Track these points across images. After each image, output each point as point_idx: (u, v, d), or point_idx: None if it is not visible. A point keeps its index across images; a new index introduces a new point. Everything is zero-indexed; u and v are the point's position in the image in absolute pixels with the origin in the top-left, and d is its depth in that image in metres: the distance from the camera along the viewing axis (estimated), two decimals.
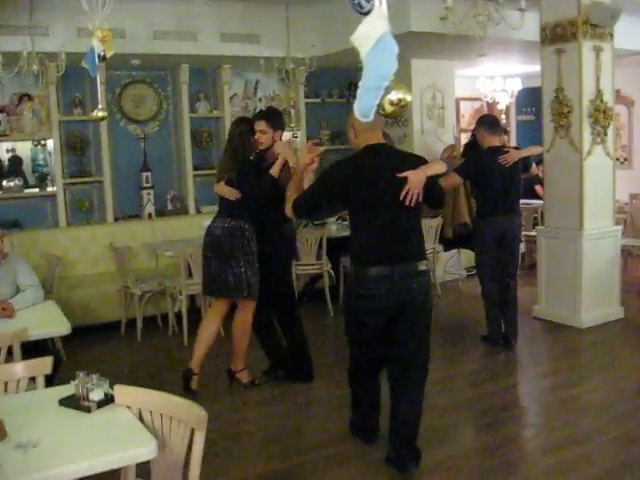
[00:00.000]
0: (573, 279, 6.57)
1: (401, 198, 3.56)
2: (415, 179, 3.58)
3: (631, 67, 10.25)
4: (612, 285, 6.80)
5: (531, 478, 3.92)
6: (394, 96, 1.54)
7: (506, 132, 6.69)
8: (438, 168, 3.86)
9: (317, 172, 4.59)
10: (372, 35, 1.45)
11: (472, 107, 11.69)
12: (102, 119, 3.95)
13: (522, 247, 6.72)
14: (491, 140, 6.03)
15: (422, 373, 3.86)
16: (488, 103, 11.20)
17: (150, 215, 8.02)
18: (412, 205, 3.59)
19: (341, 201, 3.75)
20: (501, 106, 10.99)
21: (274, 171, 4.96)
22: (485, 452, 4.22)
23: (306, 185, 3.97)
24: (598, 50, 6.49)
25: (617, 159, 9.94)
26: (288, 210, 3.89)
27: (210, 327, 5.24)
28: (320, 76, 8.78)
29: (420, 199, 3.62)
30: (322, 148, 3.87)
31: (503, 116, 11.47)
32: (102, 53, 3.35)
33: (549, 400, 5.11)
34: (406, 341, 3.79)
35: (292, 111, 8.30)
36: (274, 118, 5.25)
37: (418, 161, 3.80)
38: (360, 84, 1.49)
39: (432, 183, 3.77)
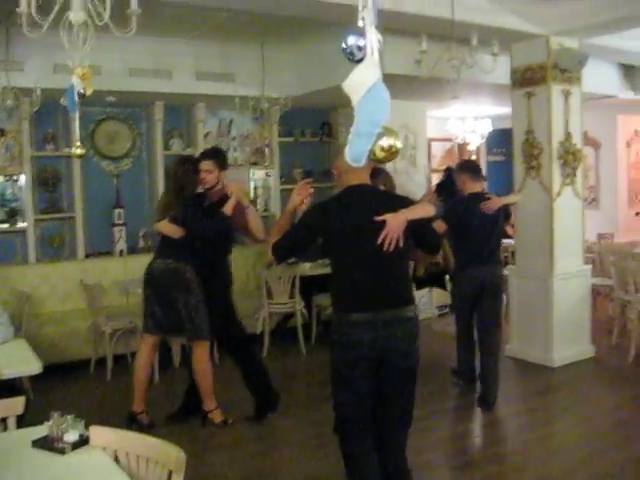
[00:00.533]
0: (544, 318, 6.64)
1: (378, 242, 3.31)
2: (394, 223, 3.32)
3: (597, 109, 10.48)
4: (583, 324, 6.87)
5: None
6: (385, 142, 1.56)
7: (485, 178, 6.59)
8: (424, 211, 3.58)
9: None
10: (364, 83, 1.47)
11: (443, 148, 11.86)
12: (80, 156, 3.95)
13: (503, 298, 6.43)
14: (473, 186, 5.86)
15: (408, 425, 3.62)
16: (459, 144, 11.37)
17: (121, 252, 7.96)
18: (390, 250, 3.33)
19: (319, 244, 3.61)
20: (472, 147, 11.17)
21: (228, 210, 5.03)
22: None
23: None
24: (567, 94, 6.64)
25: (585, 199, 10.16)
26: (269, 252, 3.71)
27: (144, 366, 5.36)
28: (294, 115, 8.85)
29: (400, 244, 3.33)
30: (311, 190, 3.71)
31: (474, 157, 11.65)
32: (82, 90, 3.35)
33: (523, 439, 5.12)
34: (392, 396, 3.50)
35: (266, 150, 8.35)
36: (220, 158, 5.35)
37: (402, 203, 3.52)
38: (352, 130, 1.52)
39: (421, 226, 3.50)
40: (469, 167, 6.14)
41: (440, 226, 5.46)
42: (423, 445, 4.89)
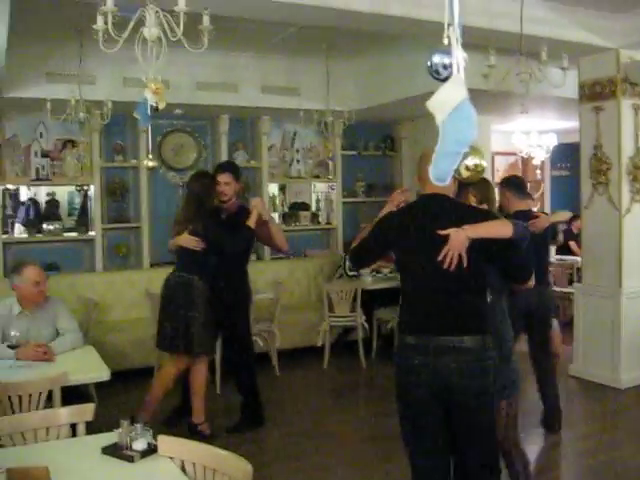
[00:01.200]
0: (612, 337, 6.47)
1: (439, 259, 3.00)
2: (455, 239, 2.98)
3: None
4: None
5: None
6: (470, 162, 1.55)
7: (531, 196, 5.95)
8: (495, 229, 3.09)
9: None
10: (450, 102, 1.46)
11: (506, 162, 11.71)
12: (151, 168, 4.05)
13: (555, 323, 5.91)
14: (518, 204, 5.33)
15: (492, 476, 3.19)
16: (523, 158, 11.22)
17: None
18: (451, 269, 3.00)
19: (387, 253, 3.43)
20: (536, 161, 11.00)
21: (252, 223, 5.16)
22: None
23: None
24: (637, 108, 6.49)
25: None
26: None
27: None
28: (357, 128, 8.86)
29: (463, 263, 2.99)
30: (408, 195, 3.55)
31: (538, 171, 11.48)
32: (154, 104, 3.42)
33: (587, 464, 4.99)
34: (463, 440, 3.11)
35: (330, 163, 8.37)
36: (237, 170, 5.55)
37: (474, 217, 3.10)
38: (437, 149, 1.51)
39: (500, 249, 3.09)
40: (514, 183, 5.54)
41: None
42: None
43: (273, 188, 8.95)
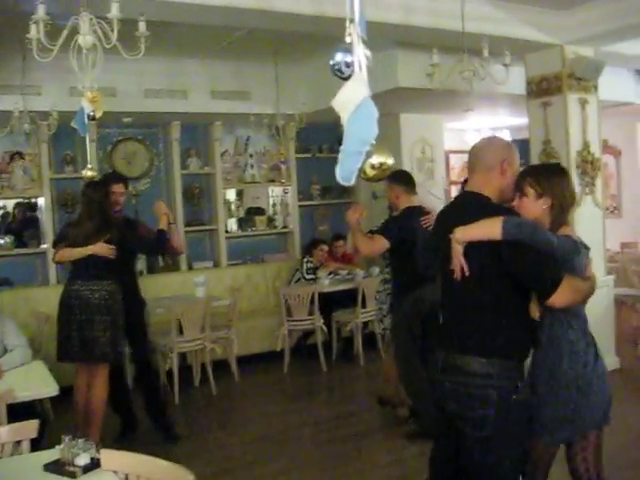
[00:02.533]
0: None
1: (451, 267, 2.74)
2: (453, 242, 2.73)
3: (617, 117, 10.39)
4: (607, 335, 6.75)
5: None
6: (375, 160, 1.53)
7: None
8: (482, 230, 2.70)
9: None
10: (352, 100, 1.45)
11: (462, 160, 11.79)
12: (91, 178, 4.01)
13: None
14: (408, 200, 5.24)
15: None
16: None
17: (141, 272, 7.98)
18: (457, 278, 2.73)
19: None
20: None
21: (165, 226, 5.25)
22: None
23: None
24: (583, 102, 6.58)
25: (607, 208, 10.06)
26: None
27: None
28: (310, 131, 8.87)
29: (465, 272, 2.69)
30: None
31: None
32: (92, 113, 3.38)
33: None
34: (465, 467, 2.88)
35: (282, 167, 8.35)
36: (128, 180, 5.78)
37: (477, 217, 2.72)
38: (341, 149, 1.49)
39: (506, 252, 2.66)
40: (403, 178, 5.34)
41: (382, 242, 5.05)
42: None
43: (230, 194, 8.89)
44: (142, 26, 3.65)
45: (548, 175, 3.00)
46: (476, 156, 2.91)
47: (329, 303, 7.60)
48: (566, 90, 6.46)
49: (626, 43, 6.98)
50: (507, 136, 10.58)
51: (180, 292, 7.59)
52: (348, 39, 1.55)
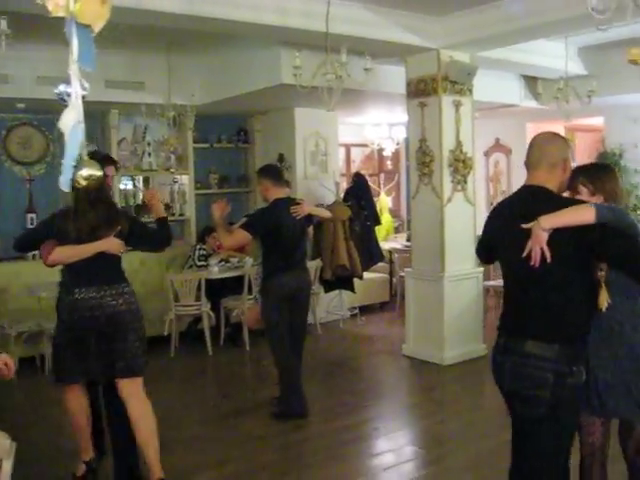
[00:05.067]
0: (436, 318, 6.96)
1: (524, 255, 2.80)
2: (534, 232, 2.78)
3: (508, 118, 10.93)
4: (475, 324, 7.21)
5: None
6: (85, 172, 1.82)
7: (288, 183, 5.93)
8: (574, 216, 2.77)
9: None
10: (68, 123, 1.76)
11: (363, 153, 12.18)
12: None
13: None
14: (276, 192, 5.53)
15: None
16: (379, 149, 11.70)
17: (34, 256, 8.05)
18: (536, 266, 2.78)
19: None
20: (387, 153, 11.50)
21: (162, 213, 4.48)
22: None
23: None
24: (457, 104, 6.98)
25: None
26: None
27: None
28: (209, 121, 9.10)
29: (547, 259, 2.74)
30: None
31: (389, 162, 12.00)
32: None
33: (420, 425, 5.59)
34: (518, 446, 3.04)
35: (172, 156, 8.52)
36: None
37: (556, 207, 2.80)
38: (62, 162, 1.81)
39: (592, 239, 2.74)
40: (271, 171, 5.71)
41: (241, 235, 5.35)
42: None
43: (128, 181, 9.02)
44: (3, 24, 3.79)
45: (600, 174, 3.25)
46: (541, 152, 2.98)
47: (219, 289, 7.85)
48: (441, 92, 6.85)
49: (510, 50, 7.42)
50: (403, 132, 10.99)
51: None
52: (71, 73, 1.82)
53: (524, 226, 2.79)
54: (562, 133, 10.91)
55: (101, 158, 4.42)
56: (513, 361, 2.87)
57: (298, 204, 5.60)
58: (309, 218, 5.74)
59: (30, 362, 7.15)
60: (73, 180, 1.86)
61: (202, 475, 4.60)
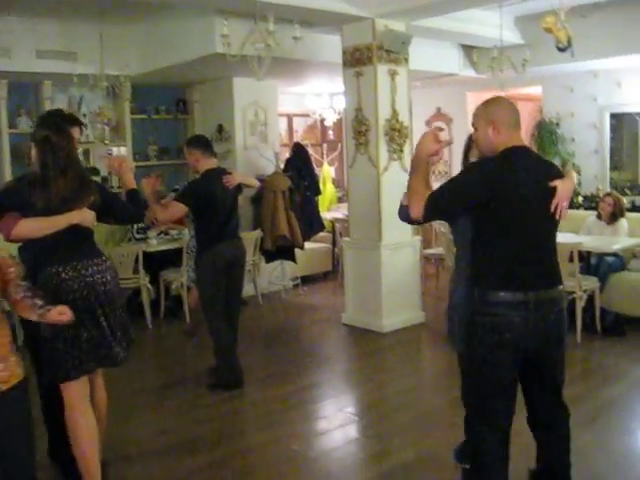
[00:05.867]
0: (374, 287, 7.03)
1: (552, 210, 3.07)
2: (564, 189, 3.09)
3: (449, 87, 11.00)
4: (413, 292, 7.30)
5: None
6: None
7: (215, 154, 5.88)
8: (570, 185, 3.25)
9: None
10: None
11: (306, 123, 12.14)
12: None
13: None
14: (206, 162, 5.48)
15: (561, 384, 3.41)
16: (321, 119, 11.69)
17: None
18: (562, 219, 3.14)
19: (480, 204, 3.08)
20: (328, 123, 11.49)
21: (134, 185, 4.08)
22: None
23: None
24: (393, 73, 6.99)
25: (439, 172, 10.70)
26: (417, 211, 3.12)
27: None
28: (147, 92, 8.98)
29: (565, 215, 3.13)
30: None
31: (331, 132, 11.99)
32: None
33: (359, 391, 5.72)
34: (541, 383, 3.32)
35: (106, 128, 8.39)
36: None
37: (558, 171, 3.28)
38: None
39: None
40: (201, 142, 5.57)
41: (177, 207, 5.31)
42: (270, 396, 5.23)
43: None
44: None
45: None
46: (517, 113, 3.17)
47: (159, 262, 7.80)
48: (376, 61, 6.85)
49: (448, 19, 7.46)
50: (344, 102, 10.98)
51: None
52: None
53: (553, 184, 3.06)
54: None
55: (64, 118, 3.90)
56: (554, 311, 3.13)
57: (229, 174, 5.59)
58: (239, 187, 5.71)
59: None
60: None
61: (139, 446, 4.60)
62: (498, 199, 3.02)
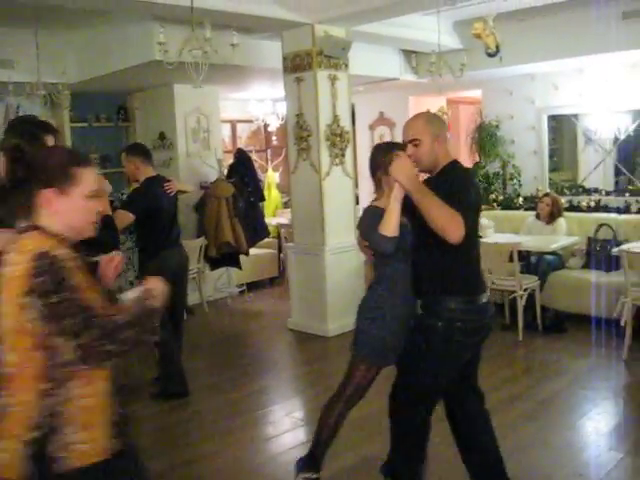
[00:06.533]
0: (319, 292, 7.05)
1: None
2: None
3: (391, 92, 11.09)
4: (357, 296, 7.21)
5: None
6: None
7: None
8: None
9: None
10: None
11: (249, 129, 12.12)
12: None
13: None
14: (147, 170, 5.53)
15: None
16: (265, 125, 11.68)
17: None
18: None
19: None
20: (272, 128, 11.49)
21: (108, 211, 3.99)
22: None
23: None
24: (333, 78, 7.03)
25: None
26: (458, 235, 3.00)
27: None
28: (87, 100, 8.85)
29: None
30: None
31: (274, 137, 12.00)
32: None
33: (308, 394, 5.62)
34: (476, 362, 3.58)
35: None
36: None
37: None
38: None
39: None
40: (141, 150, 5.65)
41: (127, 217, 5.28)
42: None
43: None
44: None
45: None
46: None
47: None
48: (316, 67, 6.88)
49: (388, 25, 7.51)
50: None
51: None
52: None
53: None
54: (444, 105, 11.26)
55: (37, 125, 3.50)
56: None
57: (169, 181, 5.62)
58: (176, 194, 5.72)
59: None
60: None
61: None
62: (478, 209, 3.30)
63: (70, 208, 2.18)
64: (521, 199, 9.34)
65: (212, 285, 8.86)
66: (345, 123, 7.14)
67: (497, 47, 5.65)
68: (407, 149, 3.27)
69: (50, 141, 3.42)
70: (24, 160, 2.76)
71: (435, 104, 10.75)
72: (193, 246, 7.87)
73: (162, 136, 8.95)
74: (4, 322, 2.05)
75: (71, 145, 8.79)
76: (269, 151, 12.16)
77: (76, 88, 8.17)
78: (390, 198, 3.18)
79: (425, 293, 3.33)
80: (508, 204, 9.28)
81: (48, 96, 7.48)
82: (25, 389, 2.05)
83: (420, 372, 3.39)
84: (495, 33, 5.34)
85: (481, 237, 3.49)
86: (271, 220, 10.07)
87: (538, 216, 7.78)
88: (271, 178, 11.27)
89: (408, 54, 9.58)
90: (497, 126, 10.27)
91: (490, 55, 5.82)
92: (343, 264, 7.14)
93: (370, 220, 3.33)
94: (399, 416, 3.58)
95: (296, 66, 7.02)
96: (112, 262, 2.55)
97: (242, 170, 8.64)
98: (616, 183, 9.20)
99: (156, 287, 2.37)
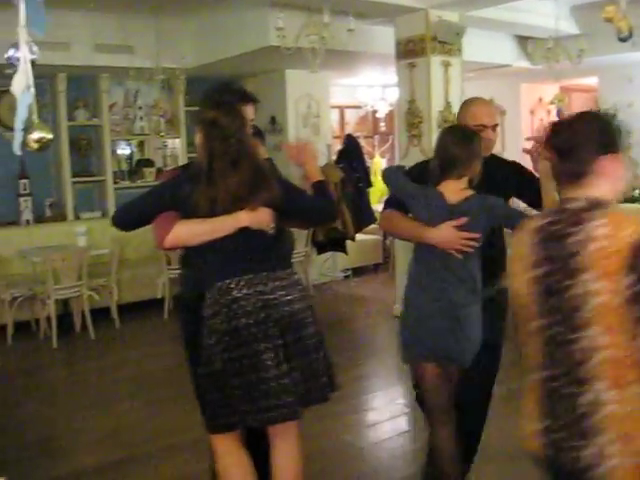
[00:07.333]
0: None
1: None
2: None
3: (502, 78, 10.87)
4: None
5: None
6: (36, 135, 1.85)
7: None
8: None
9: None
10: (18, 88, 1.80)
11: (357, 115, 12.14)
12: None
13: None
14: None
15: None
16: (373, 111, 11.67)
17: (28, 221, 8.12)
18: None
19: None
20: (380, 114, 11.46)
21: (320, 175, 3.12)
22: None
23: None
24: (446, 65, 6.95)
25: None
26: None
27: None
28: (201, 84, 9.01)
29: None
30: None
31: (382, 123, 11.96)
32: None
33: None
34: None
35: (162, 120, 8.51)
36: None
37: None
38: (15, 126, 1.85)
39: None
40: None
41: None
42: None
43: (121, 145, 9.06)
44: None
45: None
46: None
47: None
48: (429, 52, 6.82)
49: (503, 10, 7.37)
50: (396, 94, 10.95)
51: (66, 241, 7.74)
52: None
53: None
54: (561, 93, 10.94)
55: (234, 94, 3.06)
56: None
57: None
58: None
59: (26, 327, 7.22)
60: (24, 143, 1.88)
61: None
62: None
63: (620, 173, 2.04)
64: (637, 191, 8.98)
65: (318, 269, 8.95)
66: (457, 109, 7.03)
67: (630, 31, 5.44)
68: (489, 133, 3.31)
69: (249, 112, 3.05)
70: (222, 135, 2.75)
71: (548, 92, 10.47)
72: (301, 230, 7.95)
73: (273, 120, 9.08)
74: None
75: (185, 129, 9.06)
76: (376, 137, 12.14)
77: (191, 73, 8.40)
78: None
79: None
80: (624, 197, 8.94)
81: (165, 81, 7.74)
82: None
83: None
84: (628, 17, 5.15)
85: None
86: (377, 206, 10.05)
87: None
88: (378, 164, 11.25)
89: (523, 40, 9.38)
90: (614, 115, 9.90)
91: (622, 40, 5.62)
92: None
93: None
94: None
95: (409, 52, 6.98)
96: None
97: (351, 156, 8.65)
98: None
99: None
